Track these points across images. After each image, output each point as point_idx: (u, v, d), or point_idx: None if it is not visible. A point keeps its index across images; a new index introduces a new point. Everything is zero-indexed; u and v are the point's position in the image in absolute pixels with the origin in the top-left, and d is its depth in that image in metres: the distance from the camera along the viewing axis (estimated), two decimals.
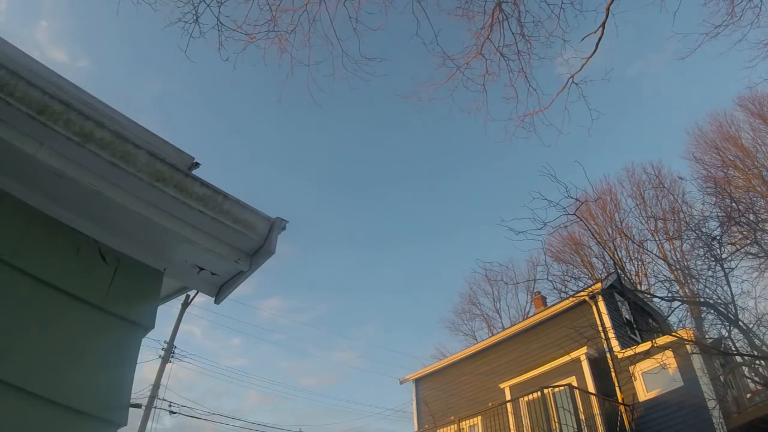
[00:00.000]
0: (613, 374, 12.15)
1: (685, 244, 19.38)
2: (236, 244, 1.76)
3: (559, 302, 14.45)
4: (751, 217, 11.58)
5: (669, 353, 10.01)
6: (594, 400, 11.50)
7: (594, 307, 12.97)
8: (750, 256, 12.17)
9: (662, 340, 9.96)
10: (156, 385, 15.86)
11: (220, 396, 44.11)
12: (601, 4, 5.63)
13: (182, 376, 55.72)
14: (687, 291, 17.07)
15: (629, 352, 10.57)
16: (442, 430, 13.83)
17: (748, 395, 10.90)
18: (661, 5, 6.02)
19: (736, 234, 10.40)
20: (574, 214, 6.55)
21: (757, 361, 9.50)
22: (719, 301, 8.49)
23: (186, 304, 17.38)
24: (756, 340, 8.32)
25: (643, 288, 20.23)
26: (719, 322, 9.78)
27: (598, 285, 13.34)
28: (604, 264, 25.50)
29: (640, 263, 24.28)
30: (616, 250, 24.82)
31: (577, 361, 12.49)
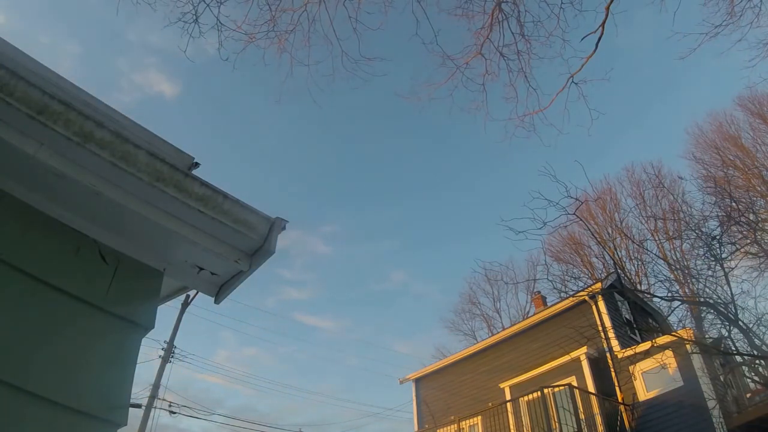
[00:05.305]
0: (613, 374, 12.15)
1: (685, 244, 19.41)
2: (236, 244, 1.76)
3: (559, 302, 14.45)
4: (751, 217, 11.60)
5: (669, 353, 10.02)
6: (594, 399, 11.50)
7: (594, 307, 12.97)
8: (750, 256, 12.18)
9: (662, 339, 9.97)
10: (156, 385, 15.86)
11: (222, 397, 44.08)
12: (601, 4, 5.64)
13: (181, 377, 55.69)
14: (687, 291, 17.09)
15: (629, 352, 10.57)
16: (442, 430, 13.83)
17: (748, 395, 10.89)
18: (661, 5, 6.03)
19: (736, 234, 10.41)
20: (574, 213, 6.56)
21: (757, 361, 9.50)
22: (719, 300, 8.51)
23: (186, 304, 17.38)
24: (756, 339, 8.32)
25: (643, 288, 20.21)
26: (719, 322, 9.81)
27: (598, 285, 13.35)
28: (604, 264, 25.53)
29: (640, 263, 24.28)
30: (616, 249, 24.82)
31: (577, 360, 12.49)
